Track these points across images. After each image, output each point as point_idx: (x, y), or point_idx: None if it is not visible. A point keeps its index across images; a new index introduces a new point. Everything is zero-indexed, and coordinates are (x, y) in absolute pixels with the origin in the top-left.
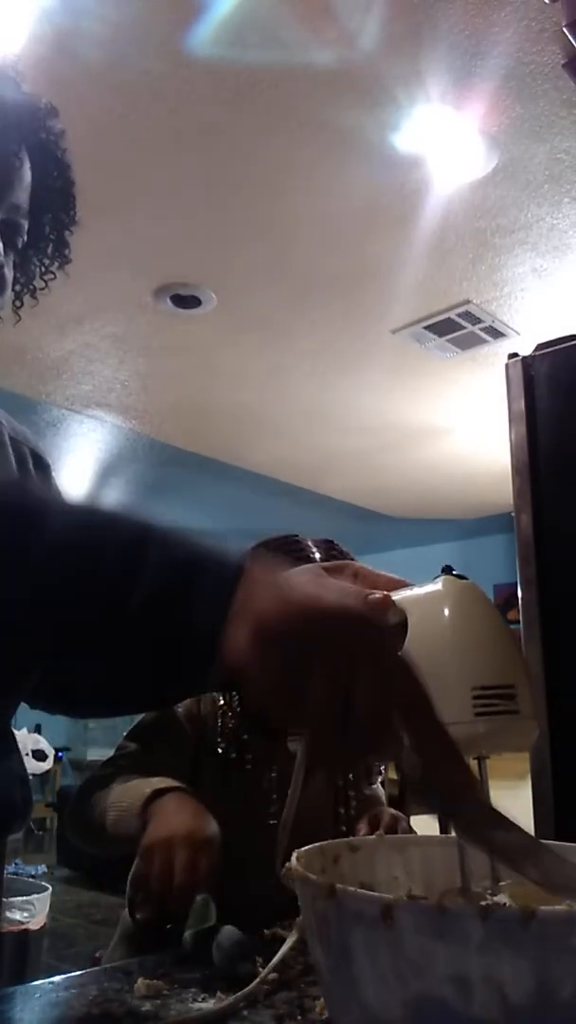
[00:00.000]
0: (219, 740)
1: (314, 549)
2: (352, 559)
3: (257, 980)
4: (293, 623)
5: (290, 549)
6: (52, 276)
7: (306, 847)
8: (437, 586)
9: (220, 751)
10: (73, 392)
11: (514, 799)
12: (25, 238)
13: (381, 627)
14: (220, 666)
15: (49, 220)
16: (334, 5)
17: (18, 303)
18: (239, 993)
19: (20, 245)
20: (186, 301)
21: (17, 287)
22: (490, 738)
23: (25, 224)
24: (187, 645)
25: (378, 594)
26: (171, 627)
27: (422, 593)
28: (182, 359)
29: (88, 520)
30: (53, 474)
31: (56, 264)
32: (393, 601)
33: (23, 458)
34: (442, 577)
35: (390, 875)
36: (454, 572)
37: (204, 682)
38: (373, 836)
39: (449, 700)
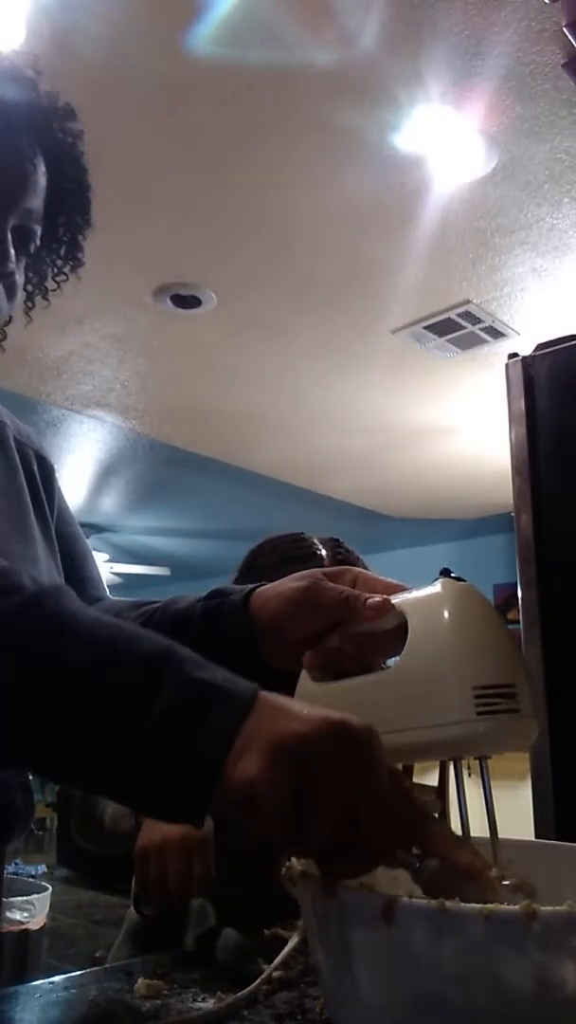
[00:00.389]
0: None
1: (320, 547)
2: (358, 557)
3: (258, 980)
4: (306, 745)
5: (296, 547)
6: (64, 278)
7: None
8: (436, 588)
9: None
10: (73, 392)
11: (514, 799)
12: (38, 243)
13: (372, 746)
14: (227, 788)
15: (63, 222)
16: (334, 5)
17: (29, 304)
18: (240, 993)
19: (32, 250)
20: (186, 301)
21: (29, 287)
22: (492, 737)
23: (38, 230)
24: (192, 765)
25: (377, 598)
26: (179, 746)
27: (421, 596)
28: (182, 359)
29: (113, 638)
30: (56, 476)
31: (68, 266)
32: (392, 605)
33: (27, 460)
34: (440, 579)
35: (391, 875)
36: (452, 574)
37: (206, 805)
38: None
39: (450, 700)
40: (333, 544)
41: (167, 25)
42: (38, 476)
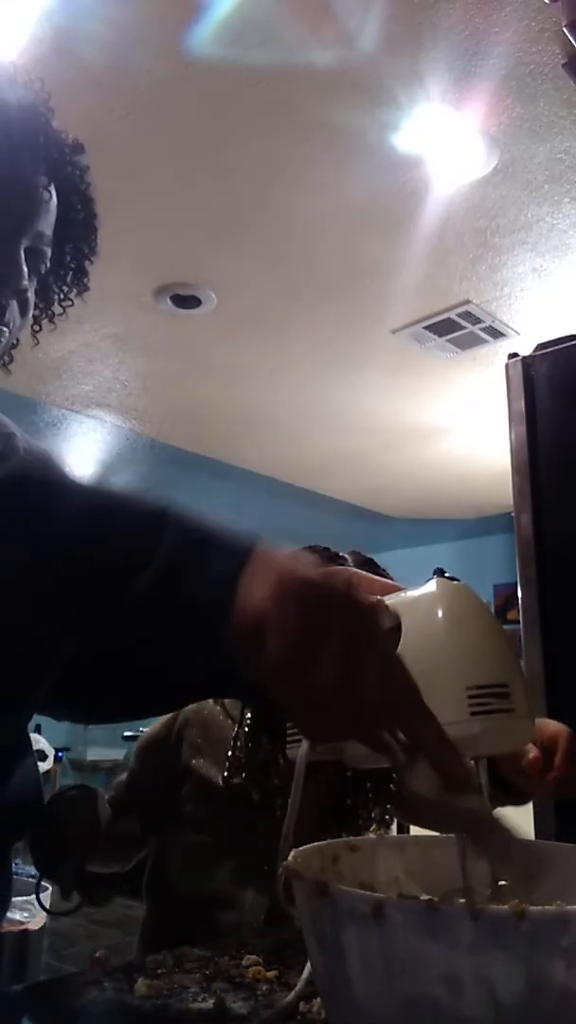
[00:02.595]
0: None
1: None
2: (390, 577)
3: (292, 994)
4: (315, 582)
5: (323, 556)
6: (70, 303)
7: (304, 847)
8: (430, 589)
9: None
10: (73, 392)
11: None
12: (48, 265)
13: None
14: (236, 623)
15: (71, 250)
16: (334, 5)
17: (37, 327)
18: (274, 1008)
19: (43, 272)
20: (186, 301)
21: (36, 311)
22: (486, 737)
23: (48, 252)
24: (202, 604)
25: (372, 598)
26: (185, 593)
27: (415, 596)
28: (182, 359)
29: (106, 497)
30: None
31: (75, 292)
32: (387, 606)
33: None
34: (435, 579)
35: (390, 875)
36: (446, 574)
37: (218, 647)
38: (372, 836)
39: (444, 700)
40: (364, 561)
41: (167, 25)
42: None
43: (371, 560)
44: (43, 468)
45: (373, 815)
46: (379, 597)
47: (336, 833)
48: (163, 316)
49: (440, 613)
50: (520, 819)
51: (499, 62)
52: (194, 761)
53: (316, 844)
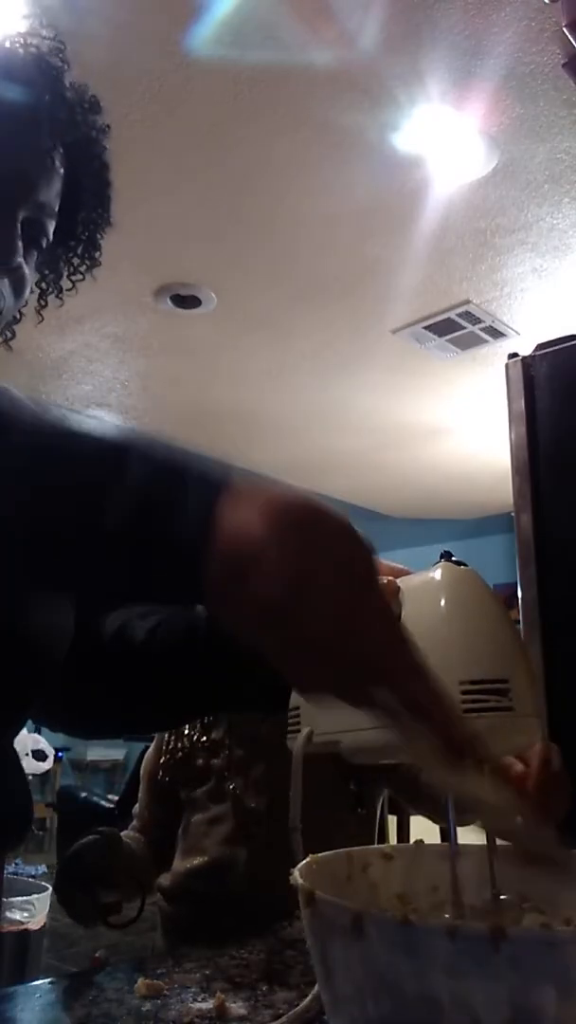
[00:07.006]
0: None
1: None
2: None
3: (309, 998)
4: (312, 506)
5: None
6: (80, 277)
7: (330, 852)
8: (434, 573)
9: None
10: (73, 392)
11: None
12: (51, 238)
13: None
14: (216, 558)
15: (82, 219)
16: (334, 5)
17: (42, 302)
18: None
19: (45, 245)
20: (186, 301)
21: (44, 285)
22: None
23: (51, 224)
24: (176, 541)
25: (383, 579)
26: (154, 531)
27: (418, 580)
28: (182, 359)
29: (61, 424)
30: None
31: (85, 265)
32: (399, 587)
33: None
34: (441, 563)
35: (429, 885)
36: (453, 559)
37: (195, 582)
38: (411, 843)
39: None
40: None
41: (167, 25)
42: None
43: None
44: None
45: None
46: (390, 578)
47: (341, 817)
48: (163, 316)
49: (441, 599)
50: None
51: (499, 62)
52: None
53: (344, 850)
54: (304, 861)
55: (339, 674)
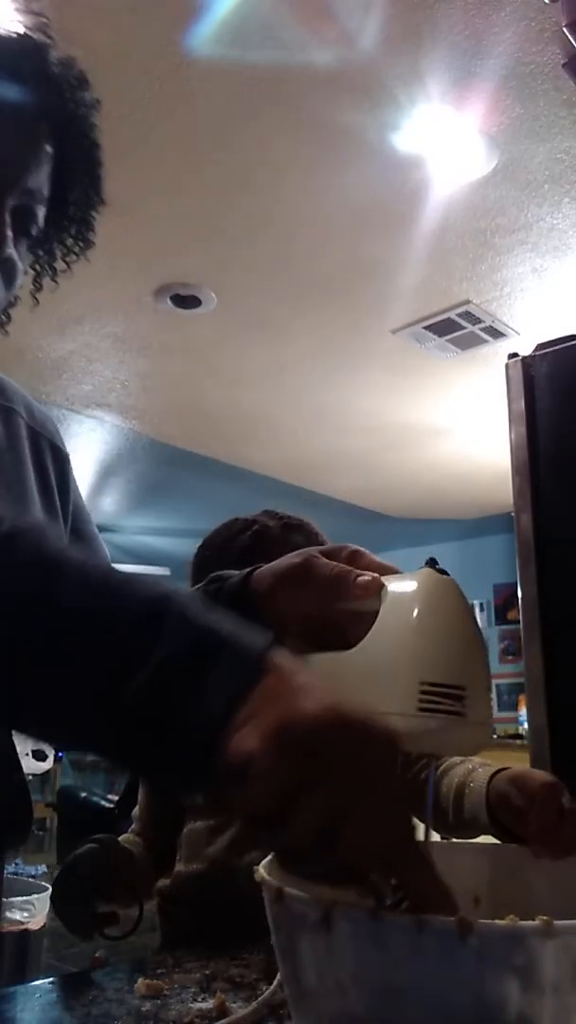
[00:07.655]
0: None
1: (320, 534)
2: (301, 521)
3: (269, 990)
4: (319, 730)
5: (229, 529)
6: (75, 258)
7: None
8: (415, 577)
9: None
10: (73, 392)
11: None
12: (41, 224)
13: (393, 747)
14: (224, 761)
15: (74, 199)
16: (334, 5)
17: (37, 285)
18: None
19: (35, 232)
20: (186, 301)
21: (37, 267)
22: (429, 737)
23: (41, 210)
24: (192, 724)
25: (368, 576)
26: (178, 703)
27: (400, 582)
28: (182, 359)
29: (104, 580)
30: (70, 467)
31: (79, 247)
32: (382, 584)
33: (40, 451)
34: (424, 569)
35: (464, 887)
36: (438, 567)
37: (198, 771)
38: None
39: (395, 690)
40: (269, 514)
41: (167, 25)
42: (51, 468)
43: (299, 523)
44: (38, 534)
45: None
46: (375, 575)
47: None
48: (163, 316)
49: (416, 603)
50: None
51: (499, 62)
52: None
53: None
54: (267, 858)
55: (319, 874)
